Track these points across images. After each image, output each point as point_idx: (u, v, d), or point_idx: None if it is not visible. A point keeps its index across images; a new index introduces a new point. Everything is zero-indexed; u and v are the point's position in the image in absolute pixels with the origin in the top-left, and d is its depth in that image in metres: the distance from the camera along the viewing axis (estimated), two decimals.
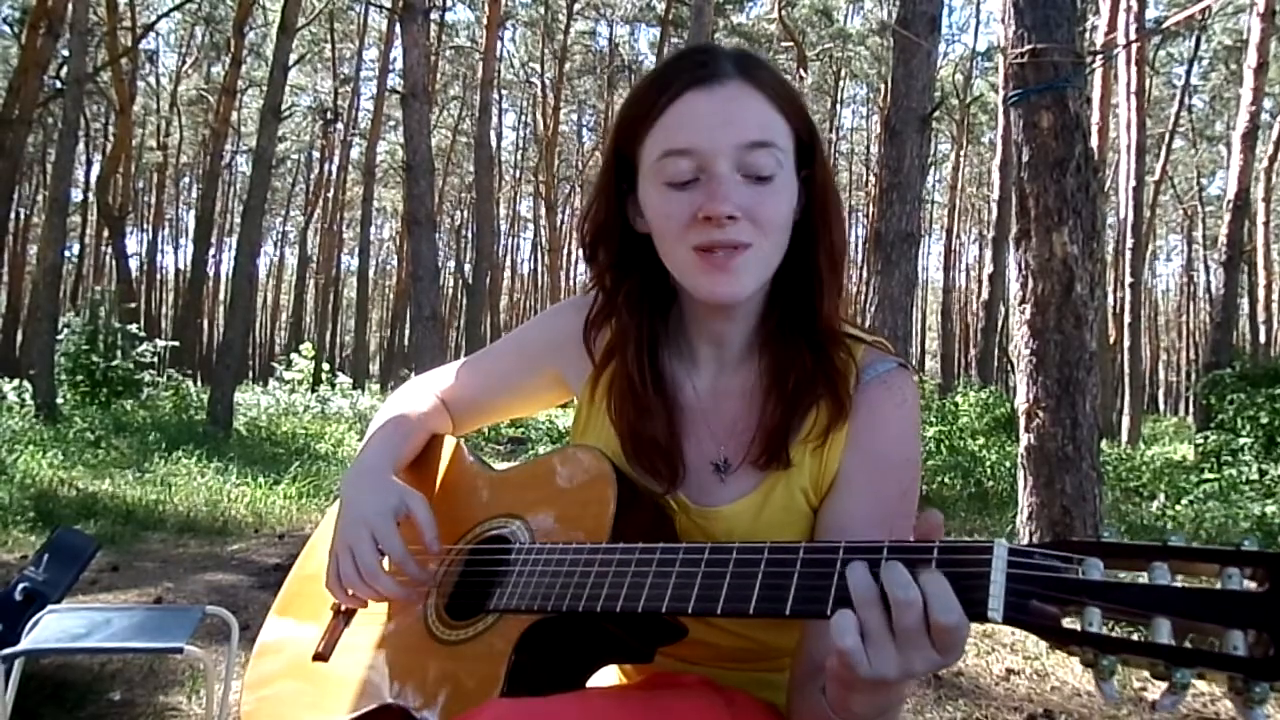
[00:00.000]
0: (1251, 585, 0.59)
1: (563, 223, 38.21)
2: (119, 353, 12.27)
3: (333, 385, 17.19)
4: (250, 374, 31.25)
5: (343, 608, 1.09)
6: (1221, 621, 0.59)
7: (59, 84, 15.01)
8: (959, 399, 13.15)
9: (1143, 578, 0.63)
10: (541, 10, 31.91)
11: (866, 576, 0.72)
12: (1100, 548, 0.65)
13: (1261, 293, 24.37)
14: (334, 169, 32.32)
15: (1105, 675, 0.62)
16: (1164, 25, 20.49)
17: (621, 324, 1.04)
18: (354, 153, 32.49)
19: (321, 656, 1.06)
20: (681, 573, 0.82)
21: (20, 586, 2.67)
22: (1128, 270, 15.07)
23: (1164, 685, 0.60)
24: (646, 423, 1.02)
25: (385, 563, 1.00)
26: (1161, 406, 40.75)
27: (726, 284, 0.93)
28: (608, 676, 1.08)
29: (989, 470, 8.47)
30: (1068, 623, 0.64)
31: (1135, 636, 0.62)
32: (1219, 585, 0.60)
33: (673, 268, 0.97)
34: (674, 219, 0.93)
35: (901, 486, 0.98)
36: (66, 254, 20.40)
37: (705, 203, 0.90)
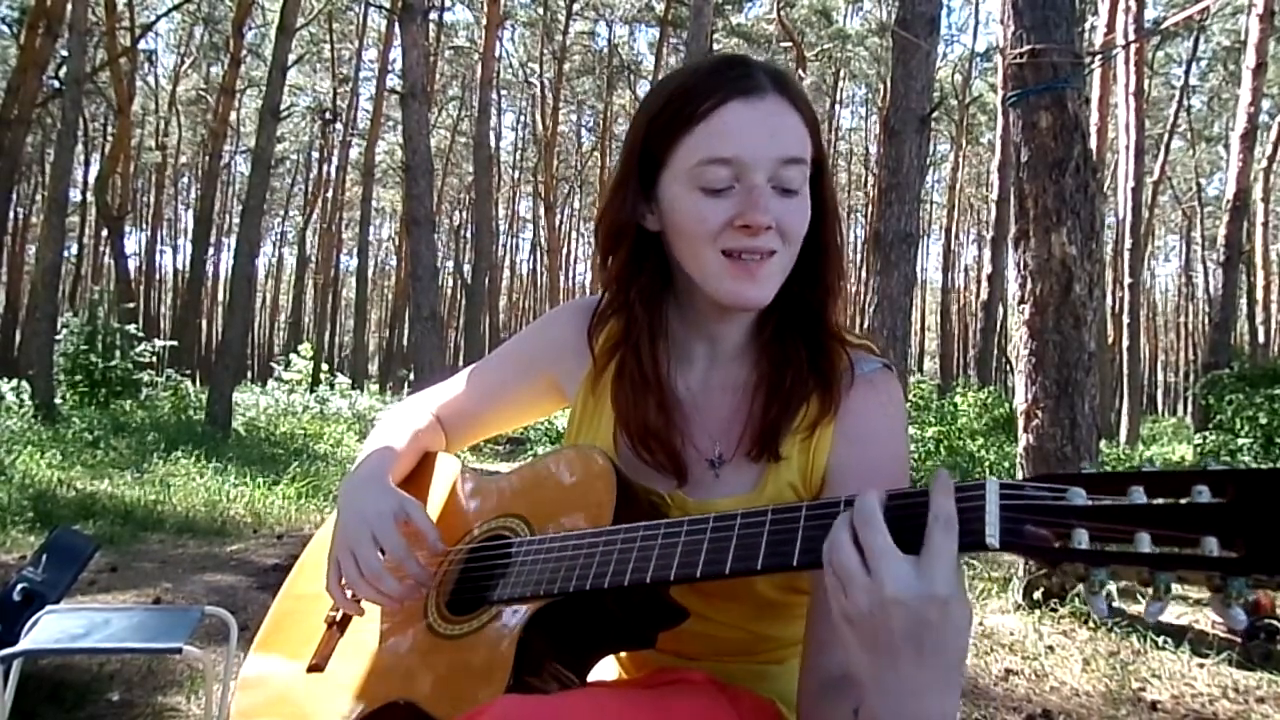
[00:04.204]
0: (1219, 499, 0.65)
1: (562, 223, 38.19)
2: (118, 353, 12.26)
3: (331, 385, 17.19)
4: (249, 374, 31.25)
5: (338, 618, 1.09)
6: (1196, 530, 0.65)
7: (58, 84, 14.99)
8: (958, 399, 13.16)
9: (1122, 501, 0.68)
10: (541, 10, 31.90)
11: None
12: (1082, 479, 0.70)
13: (1260, 293, 24.39)
14: (333, 169, 32.29)
15: (1096, 589, 0.68)
16: (1163, 26, 20.52)
17: (635, 319, 1.05)
18: (353, 153, 32.48)
19: (317, 668, 1.06)
20: (688, 540, 0.84)
21: (19, 587, 2.67)
22: (1126, 271, 15.09)
23: (1149, 593, 0.67)
24: (654, 416, 1.03)
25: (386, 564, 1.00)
26: (1160, 407, 40.75)
27: (753, 289, 0.96)
28: (606, 670, 1.08)
29: (988, 470, 8.48)
30: (1058, 544, 0.69)
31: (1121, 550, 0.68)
32: (1190, 501, 0.66)
33: (695, 269, 0.98)
34: (707, 223, 0.94)
35: (891, 481, 0.99)
36: (65, 254, 20.38)
37: (746, 212, 0.93)
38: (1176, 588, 0.65)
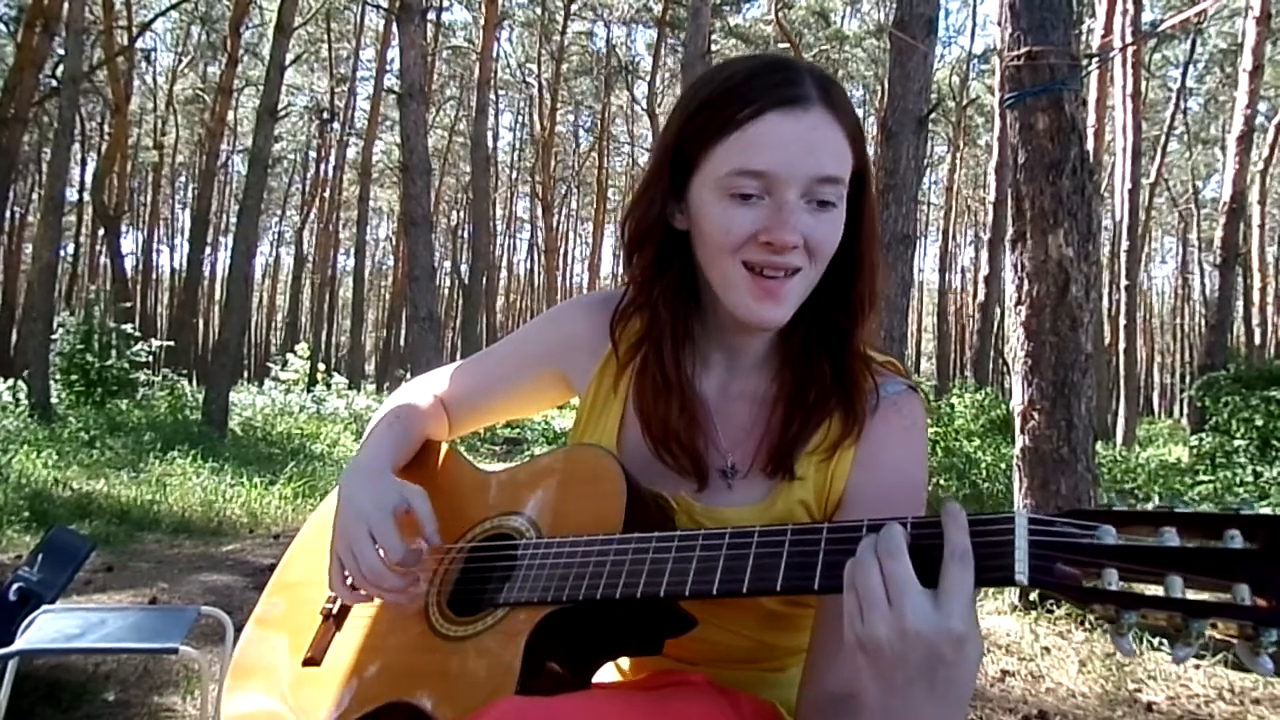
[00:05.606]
0: (1251, 545, 0.64)
1: (559, 223, 38.19)
2: (114, 352, 12.23)
3: (328, 385, 17.16)
4: (246, 374, 31.16)
5: (334, 611, 1.08)
6: (1228, 576, 0.64)
7: (55, 83, 14.97)
8: (954, 401, 13.15)
9: (1154, 542, 0.67)
10: (538, 11, 31.89)
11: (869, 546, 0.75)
12: (1112, 516, 0.69)
13: (1256, 295, 24.38)
14: (330, 169, 32.25)
15: (1123, 630, 0.67)
16: (1160, 28, 20.55)
17: (657, 318, 1.03)
18: (350, 153, 32.46)
19: (312, 661, 1.05)
20: (703, 556, 0.83)
21: (15, 586, 2.66)
22: (1123, 272, 15.10)
23: (1178, 637, 0.66)
24: (676, 418, 1.02)
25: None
26: (1156, 409, 40.82)
27: (773, 310, 0.93)
28: (607, 673, 1.08)
29: (984, 472, 8.47)
30: (1088, 583, 0.68)
31: (1151, 593, 0.67)
32: (1222, 545, 0.65)
33: (716, 280, 0.96)
34: (733, 234, 0.92)
35: (909, 508, 0.98)
36: (62, 253, 20.37)
37: (772, 228, 0.90)
38: (1208, 633, 0.65)
